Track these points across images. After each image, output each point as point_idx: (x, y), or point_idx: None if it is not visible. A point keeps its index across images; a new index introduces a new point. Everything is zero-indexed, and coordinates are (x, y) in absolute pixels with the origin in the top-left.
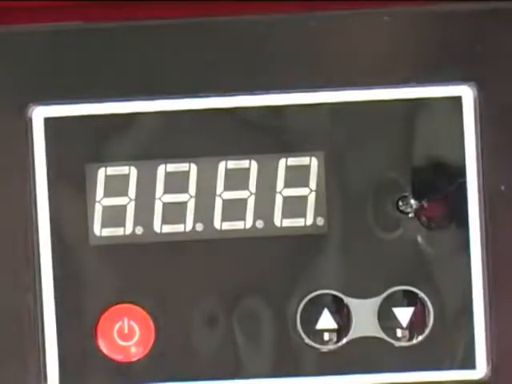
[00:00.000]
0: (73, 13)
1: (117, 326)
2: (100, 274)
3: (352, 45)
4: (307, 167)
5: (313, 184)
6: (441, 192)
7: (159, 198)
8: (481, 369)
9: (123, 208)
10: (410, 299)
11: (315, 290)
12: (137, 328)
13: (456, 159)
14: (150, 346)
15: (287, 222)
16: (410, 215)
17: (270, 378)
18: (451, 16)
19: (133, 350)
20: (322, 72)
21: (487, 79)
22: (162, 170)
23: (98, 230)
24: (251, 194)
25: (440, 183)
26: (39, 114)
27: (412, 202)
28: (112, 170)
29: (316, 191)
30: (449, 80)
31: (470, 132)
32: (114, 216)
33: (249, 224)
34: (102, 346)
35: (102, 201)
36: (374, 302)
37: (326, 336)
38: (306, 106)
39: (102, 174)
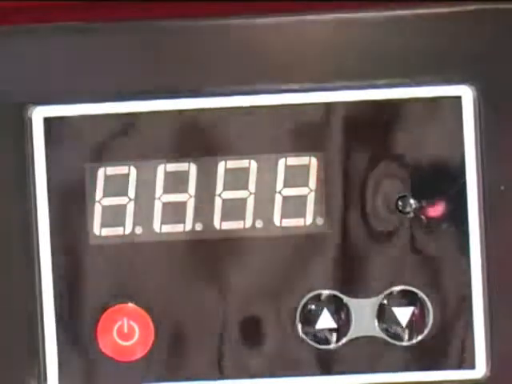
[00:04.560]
0: (73, 13)
1: (116, 326)
2: (100, 273)
3: (352, 45)
4: (307, 167)
5: (312, 184)
6: (440, 192)
7: (159, 198)
8: (480, 369)
9: (123, 208)
10: (409, 299)
11: (315, 290)
12: (136, 328)
13: (456, 159)
14: (149, 346)
15: (287, 222)
16: (410, 215)
17: (270, 378)
18: (451, 16)
19: (132, 349)
20: (321, 72)
21: (487, 79)
22: (161, 170)
23: (98, 229)
24: (251, 193)
25: (440, 183)
26: (39, 114)
27: (411, 201)
28: (112, 170)
29: (315, 191)
30: (449, 80)
31: (469, 132)
32: (114, 216)
33: (248, 224)
34: (102, 345)
35: (101, 200)
36: (374, 302)
37: (326, 336)
38: (306, 106)
39: (101, 173)
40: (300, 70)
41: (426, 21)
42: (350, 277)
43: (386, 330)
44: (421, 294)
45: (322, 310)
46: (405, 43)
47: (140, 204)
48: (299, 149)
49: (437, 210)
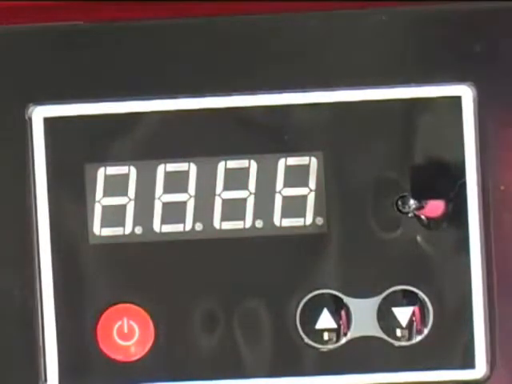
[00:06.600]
0: (73, 13)
1: (116, 326)
2: (100, 273)
3: (352, 45)
4: (307, 167)
5: (312, 184)
6: (440, 192)
7: (159, 198)
8: (480, 368)
9: (123, 208)
10: (409, 299)
11: (315, 290)
12: (136, 328)
13: (456, 159)
14: (149, 346)
15: (287, 222)
16: (410, 215)
17: (270, 378)
18: (451, 16)
19: (132, 349)
20: (322, 72)
21: (487, 79)
22: (161, 170)
23: (98, 229)
24: (251, 193)
25: (439, 183)
26: (39, 114)
27: (411, 201)
28: (111, 170)
29: (315, 191)
30: (449, 80)
31: (469, 132)
32: (114, 216)
33: (248, 224)
34: (102, 345)
35: (101, 200)
36: (374, 302)
37: (326, 336)
38: (306, 106)
39: (101, 173)
40: (300, 70)
41: (426, 20)
42: (350, 277)
43: (386, 330)
44: (420, 294)
45: (322, 310)
46: (405, 43)
47: (140, 204)
48: (299, 149)
49: (437, 209)
